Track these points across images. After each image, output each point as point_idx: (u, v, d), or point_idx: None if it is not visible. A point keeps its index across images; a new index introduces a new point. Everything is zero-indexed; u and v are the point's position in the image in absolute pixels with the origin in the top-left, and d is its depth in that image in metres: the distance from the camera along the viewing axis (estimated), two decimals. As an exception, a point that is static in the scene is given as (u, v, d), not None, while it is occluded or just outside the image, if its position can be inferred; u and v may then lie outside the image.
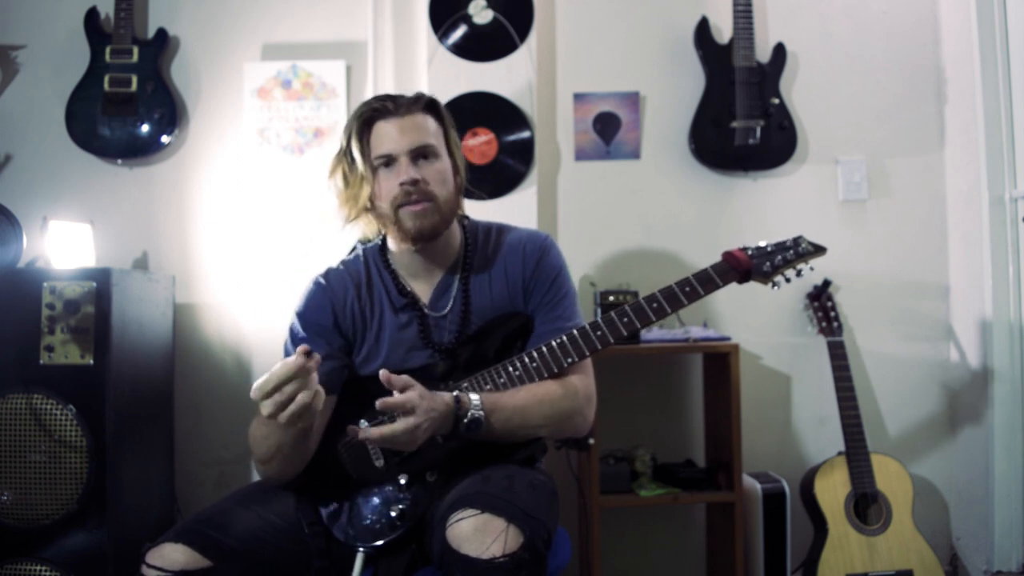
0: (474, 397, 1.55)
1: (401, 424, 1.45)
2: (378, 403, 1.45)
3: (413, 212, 1.64)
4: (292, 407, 1.36)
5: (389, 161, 1.66)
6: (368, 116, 1.67)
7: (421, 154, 1.66)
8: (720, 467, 2.57)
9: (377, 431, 1.45)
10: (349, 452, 1.63)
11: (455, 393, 1.54)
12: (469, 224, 1.81)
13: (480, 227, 1.82)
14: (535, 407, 1.61)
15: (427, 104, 1.71)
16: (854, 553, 2.43)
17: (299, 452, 1.57)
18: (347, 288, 1.74)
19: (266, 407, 1.37)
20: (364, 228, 1.76)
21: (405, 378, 1.48)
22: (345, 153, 1.70)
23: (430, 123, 1.70)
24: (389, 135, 1.65)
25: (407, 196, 1.64)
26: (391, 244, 1.77)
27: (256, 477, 2.58)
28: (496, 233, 1.80)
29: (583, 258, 2.77)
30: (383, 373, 1.47)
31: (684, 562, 2.80)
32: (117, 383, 2.20)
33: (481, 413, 1.54)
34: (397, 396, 1.46)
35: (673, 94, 2.82)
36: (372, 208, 1.70)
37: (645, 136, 2.83)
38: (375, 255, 1.79)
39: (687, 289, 1.64)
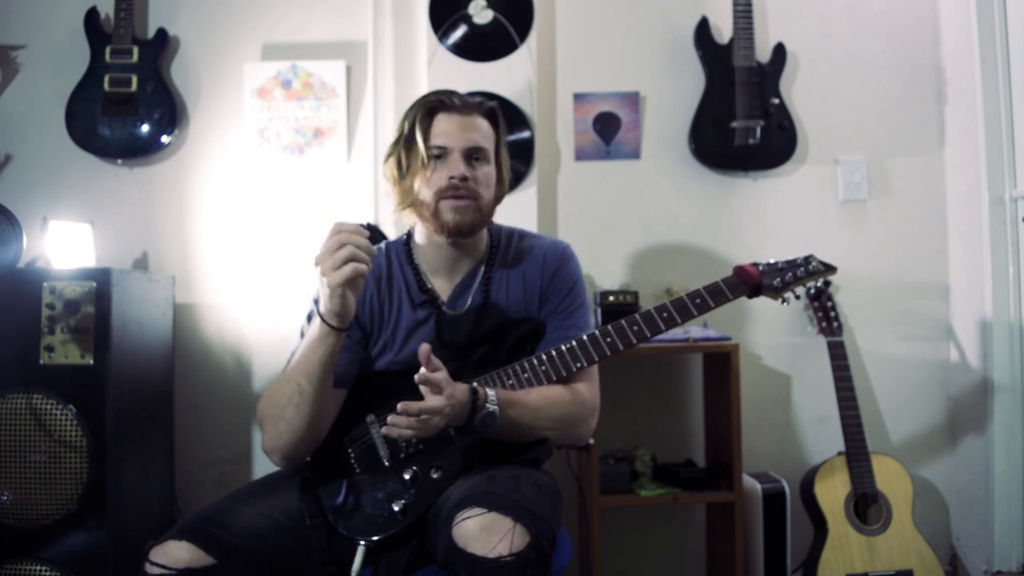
0: (490, 392, 1.56)
1: (429, 402, 1.47)
2: (418, 377, 1.47)
3: (454, 206, 1.67)
4: (352, 247, 1.46)
5: (442, 153, 1.69)
6: (432, 106, 1.71)
7: (474, 155, 1.70)
8: (720, 467, 2.57)
9: (416, 405, 1.46)
10: (355, 446, 1.63)
11: (473, 385, 1.55)
12: (494, 227, 1.84)
13: (503, 231, 1.85)
14: (545, 408, 1.62)
15: (488, 111, 1.76)
16: (854, 553, 2.43)
17: (314, 402, 1.55)
18: (368, 281, 1.75)
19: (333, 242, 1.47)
20: (413, 212, 1.76)
21: (437, 361, 1.50)
22: (405, 140, 1.72)
23: (486, 128, 1.74)
24: (448, 129, 1.69)
25: (454, 190, 1.67)
26: (418, 238, 1.80)
27: (257, 475, 2.58)
28: (518, 238, 1.83)
29: (583, 258, 2.70)
30: (424, 348, 1.48)
31: (684, 562, 2.80)
32: (117, 383, 2.20)
33: (496, 408, 1.54)
34: (433, 373, 1.47)
35: (673, 94, 2.83)
36: (411, 194, 1.72)
37: (645, 136, 2.83)
38: (399, 249, 1.82)
39: (698, 301, 1.67)
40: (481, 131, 1.72)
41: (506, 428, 1.57)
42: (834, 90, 2.86)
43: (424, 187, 1.69)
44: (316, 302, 1.77)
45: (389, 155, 1.76)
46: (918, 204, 2.85)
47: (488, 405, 1.54)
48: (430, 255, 1.78)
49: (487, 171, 1.73)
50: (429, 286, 1.76)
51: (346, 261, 1.46)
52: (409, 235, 1.83)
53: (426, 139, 1.69)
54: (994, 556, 2.60)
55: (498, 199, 1.78)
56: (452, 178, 1.66)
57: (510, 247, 1.81)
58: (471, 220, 1.69)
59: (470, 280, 1.77)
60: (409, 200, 1.72)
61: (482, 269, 1.77)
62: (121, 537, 2.17)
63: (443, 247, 1.75)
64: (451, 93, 1.74)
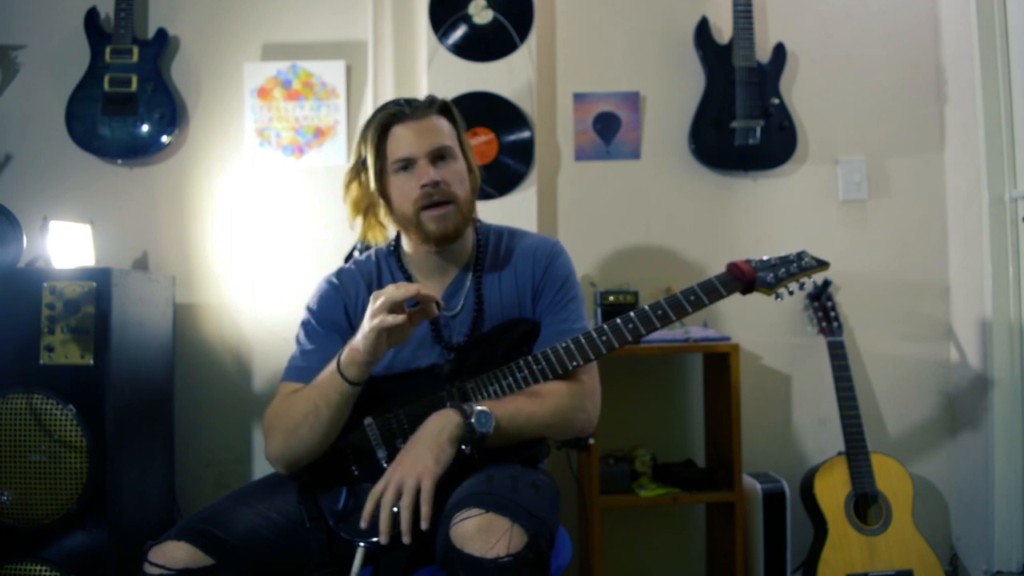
0: (471, 404, 1.56)
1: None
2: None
3: (435, 215, 1.67)
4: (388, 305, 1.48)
5: (408, 164, 1.68)
6: (385, 121, 1.70)
7: (439, 156, 1.69)
8: (720, 467, 2.57)
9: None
10: (353, 449, 1.63)
11: (447, 405, 1.57)
12: (481, 226, 1.84)
13: (492, 230, 1.85)
14: (537, 405, 1.61)
15: (441, 107, 1.74)
16: (854, 553, 2.43)
17: (329, 424, 1.57)
18: (358, 287, 1.77)
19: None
20: (376, 236, 1.78)
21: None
22: (362, 163, 1.72)
23: (445, 125, 1.73)
24: (407, 138, 1.68)
25: (428, 198, 1.66)
26: (405, 246, 1.80)
27: (257, 475, 2.58)
28: (508, 237, 1.83)
29: (583, 258, 2.77)
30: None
31: (684, 562, 2.80)
32: (117, 383, 2.20)
33: (484, 407, 1.54)
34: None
35: (673, 94, 2.83)
36: (390, 212, 1.73)
37: (645, 136, 2.83)
38: (387, 256, 1.82)
39: (692, 298, 1.66)
40: (440, 131, 1.71)
41: (506, 424, 1.56)
42: (834, 90, 2.85)
43: (400, 202, 1.69)
44: (309, 309, 1.77)
45: (349, 182, 1.75)
46: (918, 204, 2.85)
47: (476, 407, 1.53)
48: (418, 260, 1.78)
49: (456, 168, 1.71)
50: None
51: (383, 310, 1.48)
52: (397, 241, 1.83)
53: (389, 155, 1.69)
54: (994, 556, 2.60)
55: (475, 190, 1.78)
56: (424, 186, 1.66)
57: (499, 246, 1.81)
58: (454, 225, 1.69)
59: (460, 282, 1.77)
60: (374, 221, 1.74)
61: (471, 273, 1.77)
62: (121, 537, 2.17)
63: (430, 254, 1.75)
64: (401, 102, 1.72)
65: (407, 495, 1.44)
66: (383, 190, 1.72)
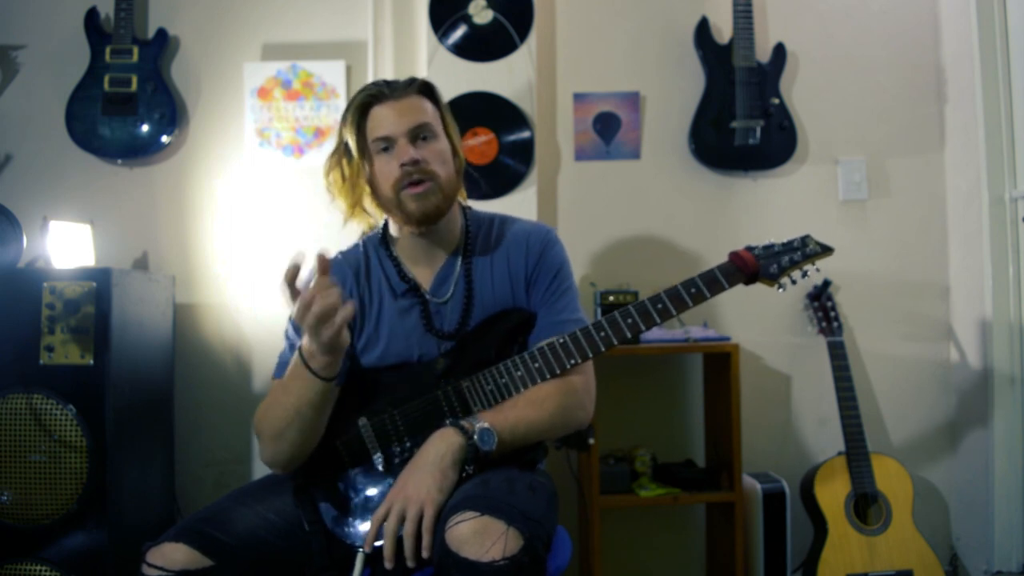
0: (472, 419, 1.55)
1: (376, 515, 1.48)
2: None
3: (415, 193, 1.64)
4: (320, 307, 1.44)
5: (388, 144, 1.66)
6: (364, 102, 1.67)
7: (419, 135, 1.67)
8: (720, 467, 2.57)
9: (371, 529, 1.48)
10: (349, 451, 1.63)
11: (447, 423, 1.55)
12: (471, 212, 1.81)
13: (483, 216, 1.82)
14: (536, 411, 1.59)
15: (421, 87, 1.72)
16: (854, 553, 2.43)
17: (315, 422, 1.56)
18: (346, 277, 1.75)
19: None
20: (361, 221, 1.77)
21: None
22: (347, 148, 1.70)
23: (427, 105, 1.70)
24: (387, 118, 1.66)
25: (408, 176, 1.64)
26: (392, 230, 1.78)
27: (257, 475, 2.58)
28: (499, 223, 1.80)
29: (583, 258, 2.77)
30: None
31: (684, 562, 2.80)
32: (117, 383, 2.20)
33: (485, 423, 1.52)
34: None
35: (673, 94, 2.83)
36: (374, 195, 1.71)
37: (645, 136, 2.83)
38: (375, 243, 1.80)
39: (692, 291, 1.61)
40: (421, 109, 1.68)
41: (508, 436, 1.55)
42: (834, 90, 2.85)
43: (379, 184, 1.67)
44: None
45: (331, 168, 1.73)
46: (918, 204, 2.85)
47: (477, 424, 1.52)
48: (406, 246, 1.76)
49: (438, 147, 1.68)
50: (410, 275, 1.74)
51: (320, 319, 1.44)
52: (385, 227, 1.81)
53: (369, 136, 1.66)
54: (994, 556, 2.60)
55: (459, 171, 1.75)
56: (403, 165, 1.63)
57: (491, 232, 1.78)
58: (435, 203, 1.65)
59: (450, 268, 1.74)
60: (355, 202, 1.72)
61: (460, 258, 1.74)
62: (121, 537, 2.18)
63: (417, 238, 1.72)
64: (382, 83, 1.69)
65: (410, 523, 1.43)
66: (366, 173, 1.69)
